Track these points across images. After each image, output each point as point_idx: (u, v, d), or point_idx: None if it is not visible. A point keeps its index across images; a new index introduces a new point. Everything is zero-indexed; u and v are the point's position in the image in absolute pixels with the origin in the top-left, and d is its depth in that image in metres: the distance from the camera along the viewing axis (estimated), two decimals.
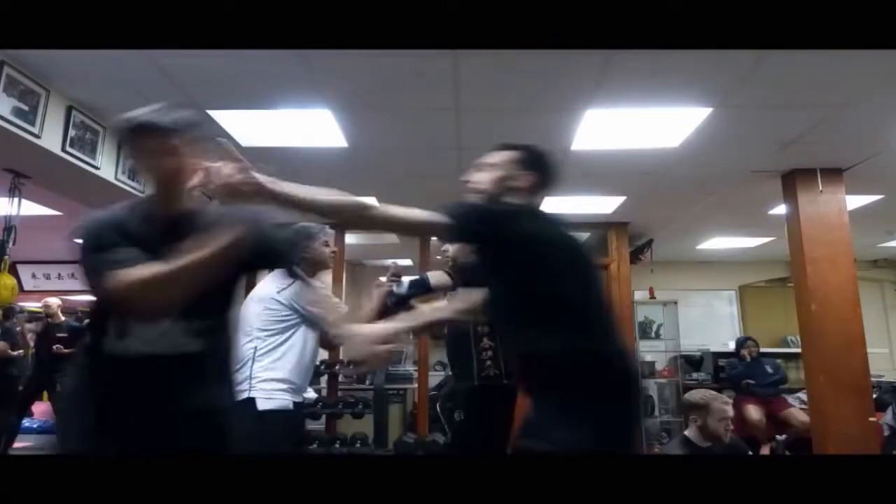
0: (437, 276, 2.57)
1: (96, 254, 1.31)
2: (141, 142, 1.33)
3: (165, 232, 1.35)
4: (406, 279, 2.38)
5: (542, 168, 1.63)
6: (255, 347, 2.33)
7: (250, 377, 2.27)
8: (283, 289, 2.45)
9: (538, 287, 1.39)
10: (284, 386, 2.32)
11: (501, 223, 1.43)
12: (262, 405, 2.24)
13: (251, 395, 2.24)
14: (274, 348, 2.35)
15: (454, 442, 2.77)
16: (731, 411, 2.51)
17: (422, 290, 2.47)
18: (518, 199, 1.57)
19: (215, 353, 1.46)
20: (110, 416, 1.35)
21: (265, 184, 1.30)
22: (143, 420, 1.34)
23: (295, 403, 2.38)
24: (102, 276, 1.26)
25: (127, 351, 1.35)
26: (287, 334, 2.39)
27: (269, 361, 2.32)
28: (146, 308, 1.30)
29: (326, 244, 2.61)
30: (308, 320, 2.42)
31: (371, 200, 1.45)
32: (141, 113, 1.32)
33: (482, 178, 1.60)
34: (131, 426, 1.34)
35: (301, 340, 2.42)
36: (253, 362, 2.30)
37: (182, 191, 1.38)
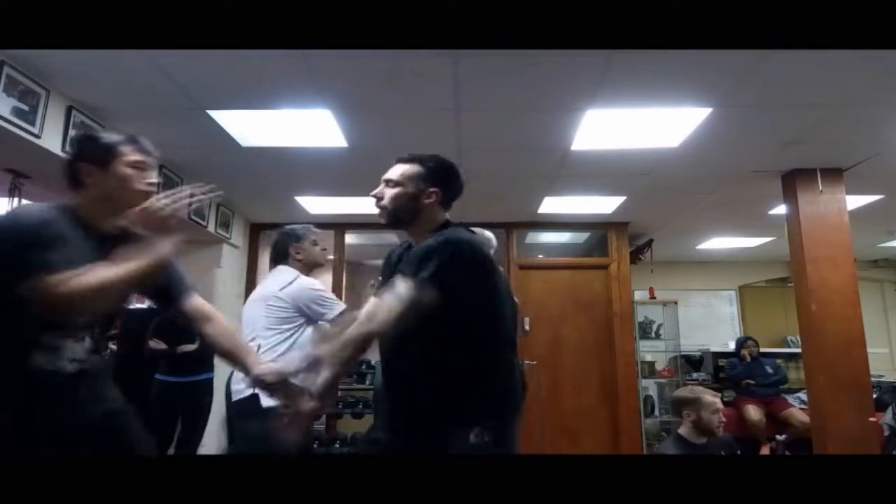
0: None
1: (38, 250, 1.26)
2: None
3: (96, 244, 1.39)
4: None
5: (446, 180, 1.66)
6: (259, 346, 2.32)
7: None
8: (286, 286, 2.44)
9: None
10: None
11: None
12: (266, 402, 2.17)
13: (256, 392, 2.20)
14: (277, 345, 2.34)
15: None
16: (720, 404, 2.57)
17: None
18: (427, 213, 1.63)
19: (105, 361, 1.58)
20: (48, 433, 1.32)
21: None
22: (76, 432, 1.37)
23: None
24: (40, 273, 1.22)
25: (64, 369, 1.35)
26: (291, 332, 2.39)
27: (273, 357, 2.28)
28: (83, 314, 1.33)
29: (315, 243, 2.62)
30: (308, 316, 2.43)
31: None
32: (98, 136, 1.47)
33: (388, 195, 1.64)
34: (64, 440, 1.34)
35: (304, 339, 2.41)
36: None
37: (117, 209, 1.45)
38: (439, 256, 1.46)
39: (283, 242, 2.60)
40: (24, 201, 3.20)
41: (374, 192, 1.69)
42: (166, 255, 1.39)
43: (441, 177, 1.66)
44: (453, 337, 1.50)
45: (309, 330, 2.44)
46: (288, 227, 2.65)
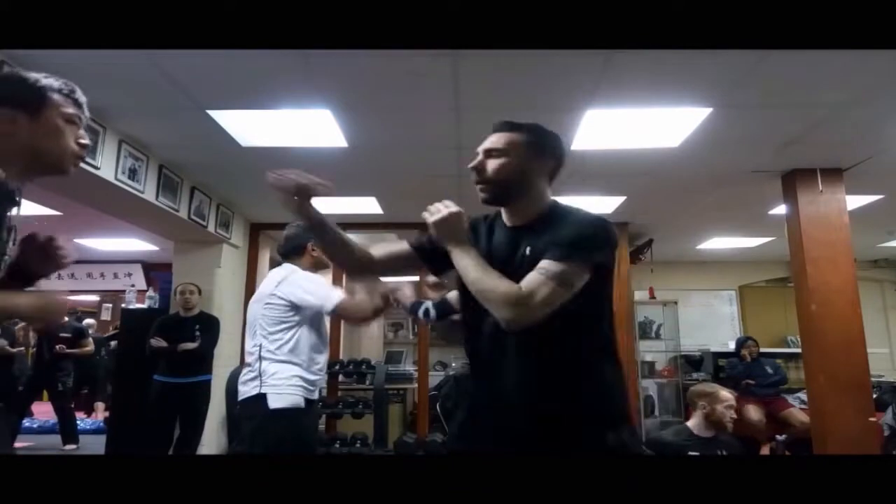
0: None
1: None
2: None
3: None
4: (428, 303, 2.13)
5: (555, 150, 1.46)
6: (260, 346, 2.32)
7: (260, 373, 2.27)
8: (280, 282, 2.38)
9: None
10: (296, 383, 2.28)
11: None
12: (273, 403, 2.22)
13: (262, 391, 2.24)
14: (281, 346, 2.31)
15: None
16: (734, 401, 2.71)
17: (450, 312, 2.08)
18: (536, 187, 1.42)
19: None
20: None
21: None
22: None
23: (308, 401, 2.33)
24: None
25: None
26: (292, 331, 2.34)
27: (279, 359, 2.29)
28: None
29: None
30: (307, 312, 2.36)
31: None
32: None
33: (491, 166, 1.41)
34: None
35: (307, 336, 2.36)
36: (261, 361, 2.29)
37: (37, 166, 1.26)
38: (596, 237, 1.30)
39: (301, 237, 2.44)
40: (23, 201, 3.19)
41: (472, 164, 1.44)
42: (48, 309, 1.26)
43: (552, 148, 1.44)
44: (592, 328, 1.35)
45: (304, 329, 2.36)
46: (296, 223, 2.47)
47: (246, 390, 2.30)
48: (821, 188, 3.81)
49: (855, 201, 4.31)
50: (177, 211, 3.98)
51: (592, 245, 1.29)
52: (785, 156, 3.65)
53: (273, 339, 2.32)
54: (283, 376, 2.27)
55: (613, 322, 1.41)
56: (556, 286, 1.23)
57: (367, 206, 4.77)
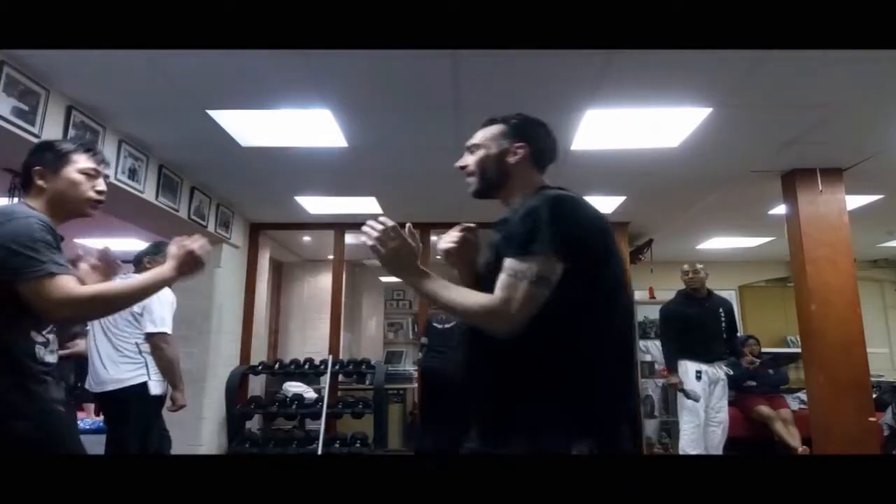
0: None
1: (48, 248, 1.40)
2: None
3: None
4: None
5: (533, 135, 1.45)
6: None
7: (146, 364, 2.91)
8: None
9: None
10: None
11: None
12: (154, 390, 2.90)
13: (145, 381, 2.87)
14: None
15: None
16: None
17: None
18: (517, 173, 1.41)
19: None
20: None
21: None
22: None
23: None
24: (41, 271, 1.36)
25: (45, 359, 1.51)
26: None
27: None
28: (70, 320, 1.44)
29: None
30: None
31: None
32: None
33: (472, 160, 1.44)
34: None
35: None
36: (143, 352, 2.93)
37: (65, 212, 1.59)
38: (551, 220, 1.18)
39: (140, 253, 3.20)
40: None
41: (459, 163, 1.48)
42: (170, 282, 1.59)
43: (527, 132, 1.44)
44: (562, 324, 1.19)
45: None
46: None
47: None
48: (820, 188, 3.81)
49: (855, 201, 4.31)
50: (177, 211, 3.98)
51: (547, 231, 1.17)
52: (785, 156, 3.65)
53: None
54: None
55: (615, 317, 1.25)
56: (528, 285, 1.16)
57: (368, 206, 4.77)
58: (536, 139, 1.45)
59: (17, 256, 1.36)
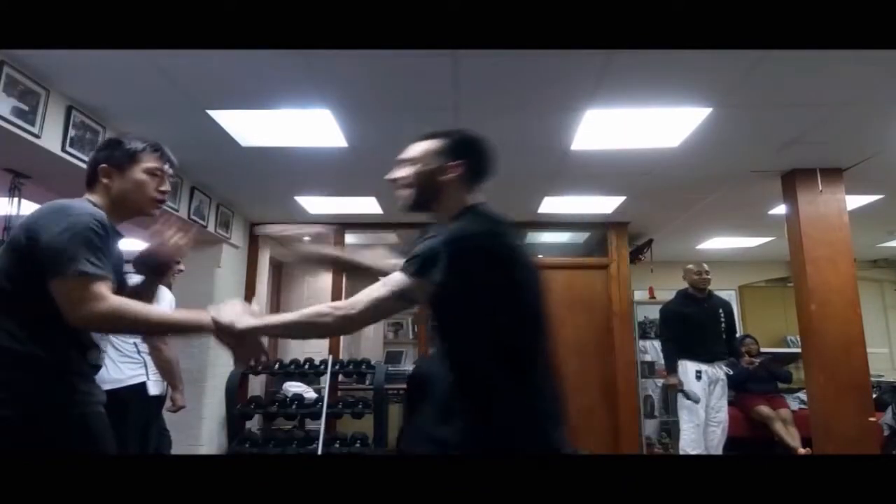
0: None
1: (88, 248, 1.35)
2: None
3: (113, 244, 1.48)
4: None
5: (470, 154, 1.45)
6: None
7: (145, 364, 2.86)
8: None
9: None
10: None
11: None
12: (153, 390, 2.87)
13: (144, 381, 2.82)
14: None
15: None
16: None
17: None
18: (449, 191, 1.43)
19: None
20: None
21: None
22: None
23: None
24: (71, 270, 1.31)
25: (96, 362, 1.54)
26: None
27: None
28: (86, 325, 1.40)
29: None
30: None
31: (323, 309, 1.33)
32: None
33: (406, 174, 1.45)
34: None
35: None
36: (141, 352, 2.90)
37: (128, 211, 1.58)
38: (443, 256, 1.24)
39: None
40: (24, 201, 3.20)
41: (390, 175, 1.49)
42: (206, 331, 1.40)
43: (464, 150, 1.44)
44: (461, 349, 1.30)
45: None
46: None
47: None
48: (820, 188, 3.81)
49: (855, 201, 4.31)
50: (177, 211, 3.98)
51: (436, 262, 1.24)
52: (785, 156, 3.65)
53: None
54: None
55: (515, 352, 1.30)
56: (387, 293, 1.27)
57: (367, 206, 4.77)
58: (473, 158, 1.46)
59: (56, 252, 1.32)
